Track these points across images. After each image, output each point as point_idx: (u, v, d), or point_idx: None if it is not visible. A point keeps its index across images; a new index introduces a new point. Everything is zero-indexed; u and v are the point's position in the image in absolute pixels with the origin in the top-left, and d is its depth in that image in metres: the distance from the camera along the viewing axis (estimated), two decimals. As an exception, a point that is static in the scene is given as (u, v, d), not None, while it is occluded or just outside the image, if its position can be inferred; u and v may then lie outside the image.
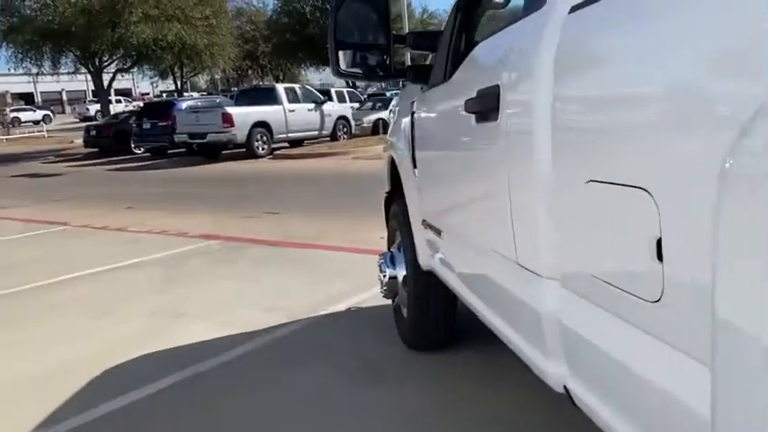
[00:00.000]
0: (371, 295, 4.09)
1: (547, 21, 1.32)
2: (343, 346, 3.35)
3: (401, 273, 3.12)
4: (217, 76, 44.52)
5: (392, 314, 3.41)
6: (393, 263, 3.18)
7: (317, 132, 17.16)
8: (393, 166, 3.21)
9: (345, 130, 17.95)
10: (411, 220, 2.80)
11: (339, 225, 6.68)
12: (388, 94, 23.99)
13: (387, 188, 3.55)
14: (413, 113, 2.62)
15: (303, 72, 44.39)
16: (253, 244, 6.15)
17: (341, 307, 4.01)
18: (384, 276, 3.19)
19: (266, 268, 5.19)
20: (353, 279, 4.56)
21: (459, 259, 2.13)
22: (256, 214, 7.81)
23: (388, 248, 3.41)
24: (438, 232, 2.32)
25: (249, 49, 37.80)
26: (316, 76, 50.09)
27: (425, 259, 2.67)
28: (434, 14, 38.63)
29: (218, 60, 27.63)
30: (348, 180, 10.60)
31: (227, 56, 28.19)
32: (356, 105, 20.28)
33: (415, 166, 2.63)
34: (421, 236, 2.67)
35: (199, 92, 46.96)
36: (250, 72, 42.32)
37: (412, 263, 2.89)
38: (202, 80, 57.07)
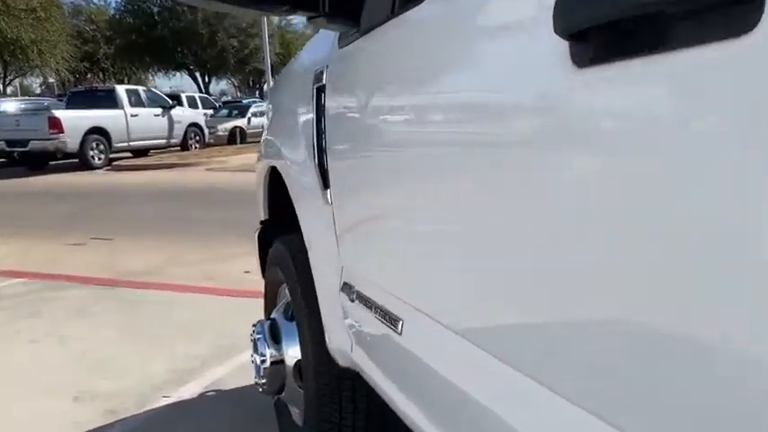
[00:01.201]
0: (238, 366, 2.86)
1: None
2: (195, 469, 2.09)
3: (292, 356, 1.92)
4: (51, 79, 40.21)
5: (272, 404, 2.21)
6: (276, 338, 1.97)
7: (164, 141, 15.36)
8: (274, 181, 2.03)
9: (198, 138, 16.28)
10: (316, 277, 1.63)
11: (189, 253, 5.31)
12: (244, 101, 22.54)
13: (262, 216, 2.35)
14: (320, 90, 1.46)
15: (151, 77, 41.17)
16: (73, 283, 4.63)
17: (192, 389, 2.72)
18: (262, 360, 1.98)
19: (87, 321, 3.74)
20: (210, 336, 3.29)
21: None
22: (83, 240, 6.20)
23: (266, 314, 2.20)
24: (389, 319, 1.16)
25: (89, 51, 34.36)
26: (166, 83, 46.97)
27: (343, 347, 1.51)
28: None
29: (48, 59, 24.46)
30: (201, 195, 9.11)
31: (60, 55, 25.10)
32: (210, 112, 18.68)
33: (326, 185, 1.46)
34: (336, 307, 1.51)
35: (32, 95, 42.32)
36: (90, 75, 38.54)
37: (315, 346, 1.71)
38: (36, 83, 51.66)
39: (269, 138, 2.05)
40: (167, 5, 31.04)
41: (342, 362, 1.54)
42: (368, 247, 1.29)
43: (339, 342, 1.52)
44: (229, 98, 39.46)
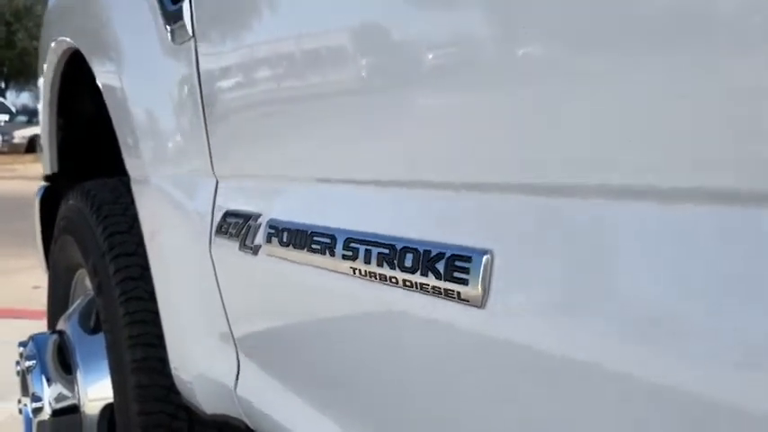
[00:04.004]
0: (9, 415, 1.87)
1: None
2: None
3: (95, 398, 1.04)
4: None
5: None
6: (66, 366, 1.09)
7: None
8: (70, 92, 1.17)
9: (-16, 145, 14.09)
10: (147, 228, 0.79)
11: (-41, 267, 4.06)
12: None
13: (48, 168, 1.45)
14: None
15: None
16: None
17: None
18: (36, 408, 1.08)
19: None
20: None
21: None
22: None
23: (50, 324, 1.30)
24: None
25: None
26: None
27: (214, 374, 0.68)
28: None
29: None
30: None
31: None
32: (5, 118, 16.37)
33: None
34: (195, 286, 0.68)
35: None
36: None
37: (144, 374, 0.86)
38: None
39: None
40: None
41: (207, 405, 0.71)
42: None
43: (202, 364, 0.69)
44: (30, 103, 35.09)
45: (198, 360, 0.69)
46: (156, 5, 0.65)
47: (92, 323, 1.10)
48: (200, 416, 0.72)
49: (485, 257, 0.36)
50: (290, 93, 0.53)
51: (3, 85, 29.77)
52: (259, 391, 0.59)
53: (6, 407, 1.95)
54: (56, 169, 1.42)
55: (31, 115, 17.24)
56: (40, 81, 1.35)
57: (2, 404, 1.96)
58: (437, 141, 0.41)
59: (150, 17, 0.67)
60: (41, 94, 1.33)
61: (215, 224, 0.62)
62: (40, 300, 2.63)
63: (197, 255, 0.64)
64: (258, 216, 0.56)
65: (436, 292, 0.38)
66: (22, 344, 1.14)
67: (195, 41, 0.62)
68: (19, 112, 18.18)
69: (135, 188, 0.82)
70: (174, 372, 0.76)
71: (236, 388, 0.62)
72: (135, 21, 0.73)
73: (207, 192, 0.64)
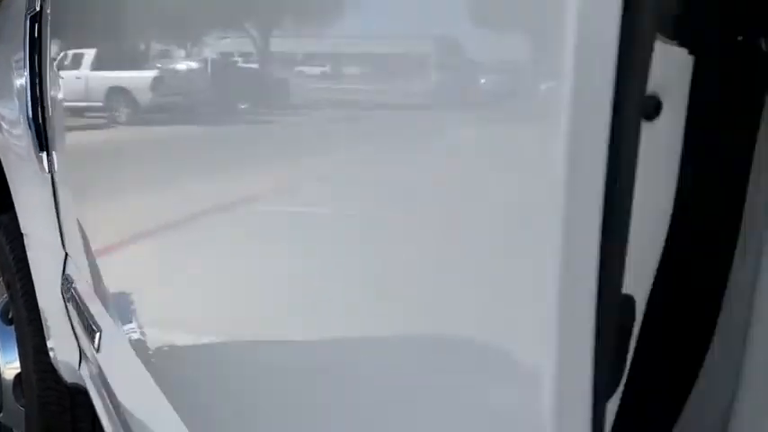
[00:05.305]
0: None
1: None
2: None
3: (10, 368, 1.52)
4: None
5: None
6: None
7: None
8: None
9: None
10: (33, 269, 1.26)
11: None
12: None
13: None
14: (33, 20, 1.09)
15: None
16: None
17: None
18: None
19: None
20: None
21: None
22: None
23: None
24: (88, 328, 0.91)
25: None
26: None
27: (70, 360, 1.17)
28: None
29: None
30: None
31: None
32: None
33: (42, 148, 1.10)
34: (59, 308, 1.16)
35: None
36: None
37: (36, 357, 1.34)
38: None
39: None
40: None
41: (68, 378, 1.20)
42: (91, 234, 0.97)
43: (64, 353, 1.17)
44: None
45: (61, 349, 1.18)
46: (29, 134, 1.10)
47: (9, 318, 1.56)
48: (67, 382, 1.21)
49: (98, 333, 0.85)
50: (97, 223, 0.99)
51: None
52: (90, 371, 1.07)
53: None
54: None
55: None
56: None
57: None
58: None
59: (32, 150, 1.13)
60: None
61: (62, 277, 1.09)
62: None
63: (56, 291, 1.11)
64: (73, 281, 1.03)
65: (90, 341, 0.86)
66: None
67: (52, 177, 1.07)
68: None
69: (26, 240, 1.28)
70: (50, 354, 1.24)
71: (79, 368, 1.10)
72: (23, 147, 1.18)
73: (60, 257, 1.10)
